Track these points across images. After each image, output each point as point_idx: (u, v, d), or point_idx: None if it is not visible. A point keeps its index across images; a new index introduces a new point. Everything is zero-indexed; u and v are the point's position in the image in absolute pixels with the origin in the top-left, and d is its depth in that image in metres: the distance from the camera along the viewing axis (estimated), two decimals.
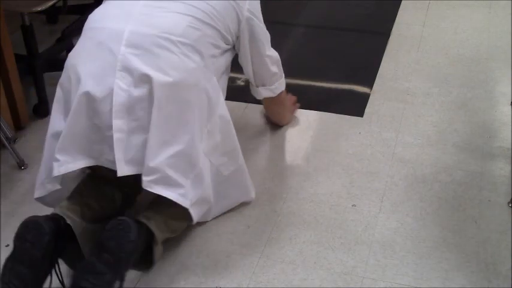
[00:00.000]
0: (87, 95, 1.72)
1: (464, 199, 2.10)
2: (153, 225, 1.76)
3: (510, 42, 2.97)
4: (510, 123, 2.44)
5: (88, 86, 1.72)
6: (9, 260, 1.68)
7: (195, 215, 1.83)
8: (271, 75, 2.18)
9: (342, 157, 2.31)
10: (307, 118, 2.54)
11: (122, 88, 1.70)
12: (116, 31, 1.76)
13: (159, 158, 1.73)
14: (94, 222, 1.86)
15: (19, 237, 1.70)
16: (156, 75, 1.71)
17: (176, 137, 1.75)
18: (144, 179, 1.73)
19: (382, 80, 2.76)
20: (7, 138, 2.31)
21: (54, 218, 1.76)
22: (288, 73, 2.82)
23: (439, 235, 1.97)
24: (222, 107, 1.90)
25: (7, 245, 1.97)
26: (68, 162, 1.78)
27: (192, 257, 1.93)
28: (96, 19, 1.86)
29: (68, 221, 1.78)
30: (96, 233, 1.79)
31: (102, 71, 1.72)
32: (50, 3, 2.66)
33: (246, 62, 2.09)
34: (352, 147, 2.36)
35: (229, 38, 1.95)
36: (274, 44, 2.81)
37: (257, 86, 2.19)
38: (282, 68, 2.23)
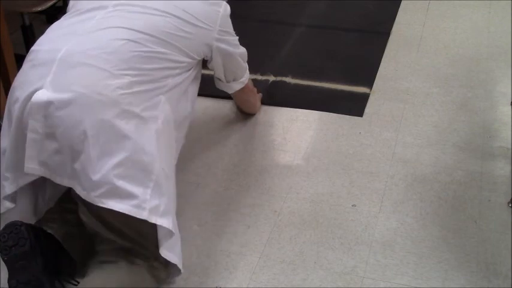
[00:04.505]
0: (20, 109, 1.70)
1: (464, 199, 2.10)
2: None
3: (510, 42, 2.97)
4: (510, 123, 2.44)
5: (19, 102, 1.70)
6: (8, 277, 1.70)
7: (171, 227, 1.69)
8: (243, 71, 2.27)
9: (342, 157, 2.31)
10: (307, 118, 2.54)
11: (44, 93, 1.66)
12: (51, 52, 1.75)
13: (102, 170, 1.63)
14: (79, 225, 1.85)
15: (4, 250, 1.69)
16: (80, 91, 1.67)
17: (117, 144, 1.66)
18: (92, 194, 1.63)
19: (382, 80, 2.76)
20: None
21: (31, 225, 1.76)
22: (288, 73, 2.84)
23: (439, 235, 1.97)
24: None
25: None
26: (18, 178, 1.78)
27: (192, 257, 1.93)
28: (39, 42, 1.85)
29: (48, 230, 1.77)
30: (82, 234, 1.80)
31: (33, 88, 1.69)
32: (50, 3, 2.66)
33: (218, 69, 2.15)
34: (352, 147, 2.36)
35: (196, 56, 1.96)
36: (275, 44, 2.80)
37: (228, 82, 2.25)
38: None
